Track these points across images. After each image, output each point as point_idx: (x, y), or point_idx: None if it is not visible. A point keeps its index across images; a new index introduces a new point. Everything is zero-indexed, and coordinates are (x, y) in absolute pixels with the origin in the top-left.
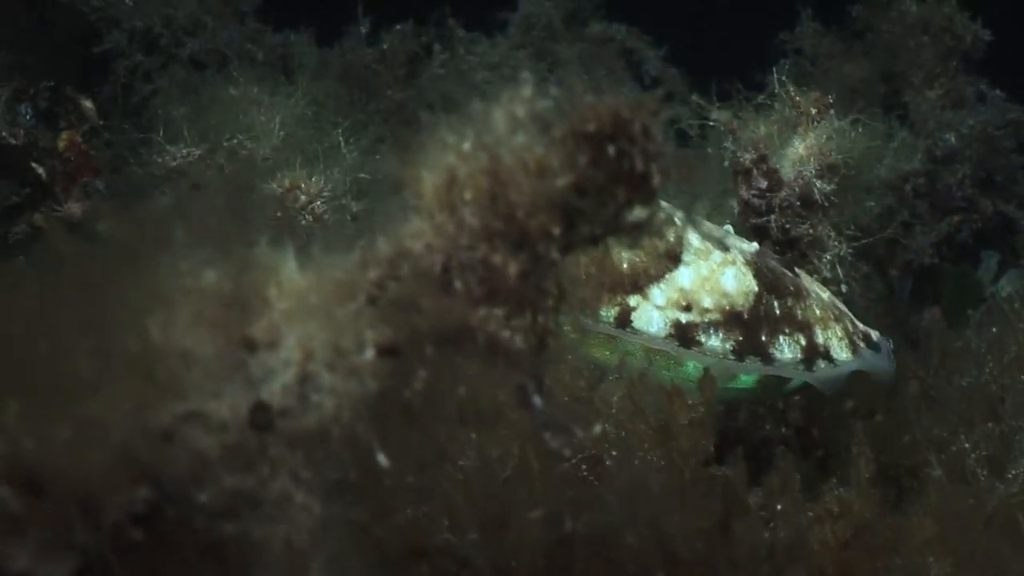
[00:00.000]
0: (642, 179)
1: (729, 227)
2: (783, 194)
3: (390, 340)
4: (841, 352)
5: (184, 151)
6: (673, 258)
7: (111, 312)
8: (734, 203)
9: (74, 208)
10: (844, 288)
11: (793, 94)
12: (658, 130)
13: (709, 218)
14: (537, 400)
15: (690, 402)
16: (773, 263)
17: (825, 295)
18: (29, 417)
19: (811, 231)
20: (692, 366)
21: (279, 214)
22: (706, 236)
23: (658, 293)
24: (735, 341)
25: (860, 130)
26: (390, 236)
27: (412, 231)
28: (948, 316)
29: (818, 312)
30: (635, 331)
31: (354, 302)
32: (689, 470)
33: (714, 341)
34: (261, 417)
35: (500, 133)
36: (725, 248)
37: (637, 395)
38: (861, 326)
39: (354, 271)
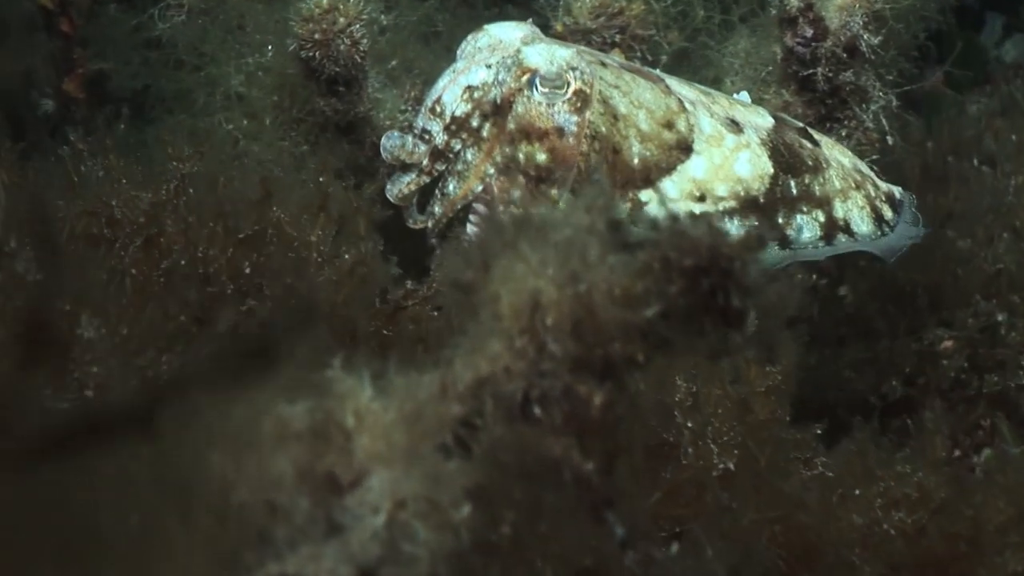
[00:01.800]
0: (738, 315)
1: (745, 94)
2: (828, 44)
3: (482, 487)
4: (862, 224)
5: None
6: (684, 149)
7: (195, 472)
8: (777, 49)
9: None
10: (890, 140)
11: None
12: (754, 267)
13: (748, 63)
14: (619, 529)
15: None
16: (790, 135)
17: (846, 160)
18: None
19: (854, 79)
20: None
21: (317, 36)
22: (718, 118)
23: (671, 186)
24: (752, 227)
25: None
26: (467, 360)
27: (490, 353)
28: (950, 82)
29: (838, 184)
30: None
31: (439, 437)
32: (765, 457)
33: (730, 229)
34: None
35: (588, 257)
36: (739, 129)
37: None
38: (884, 186)
39: (435, 401)
